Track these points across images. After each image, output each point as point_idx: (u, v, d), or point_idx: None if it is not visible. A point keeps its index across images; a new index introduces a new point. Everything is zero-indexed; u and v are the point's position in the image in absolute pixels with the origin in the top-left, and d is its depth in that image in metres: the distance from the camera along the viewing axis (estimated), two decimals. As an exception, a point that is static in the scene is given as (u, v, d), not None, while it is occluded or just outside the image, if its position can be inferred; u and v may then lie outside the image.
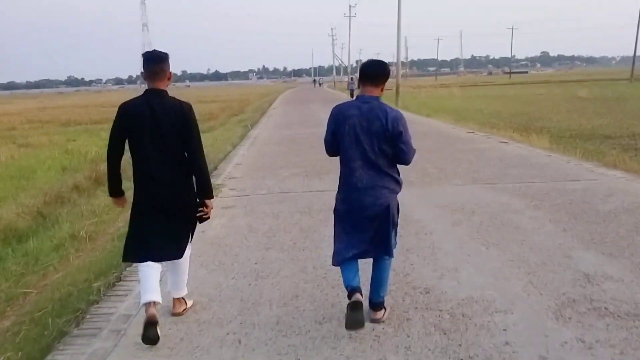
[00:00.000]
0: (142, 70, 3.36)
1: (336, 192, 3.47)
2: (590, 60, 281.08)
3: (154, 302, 3.30)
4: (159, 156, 3.34)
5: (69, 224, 6.73)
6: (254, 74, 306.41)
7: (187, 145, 3.40)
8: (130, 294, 4.15)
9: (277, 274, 4.38)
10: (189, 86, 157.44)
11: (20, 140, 16.99)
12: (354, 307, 3.13)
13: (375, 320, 3.46)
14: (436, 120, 18.01)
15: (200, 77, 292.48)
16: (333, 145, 3.40)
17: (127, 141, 3.41)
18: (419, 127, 14.83)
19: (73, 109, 37.03)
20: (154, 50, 3.47)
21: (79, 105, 43.41)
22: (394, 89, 27.66)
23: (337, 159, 3.47)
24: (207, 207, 3.56)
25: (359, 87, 3.42)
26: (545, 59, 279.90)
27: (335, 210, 3.45)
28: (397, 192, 3.39)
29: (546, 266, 4.25)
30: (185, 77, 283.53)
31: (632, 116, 17.82)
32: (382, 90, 3.34)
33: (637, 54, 52.38)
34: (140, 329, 3.26)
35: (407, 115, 3.49)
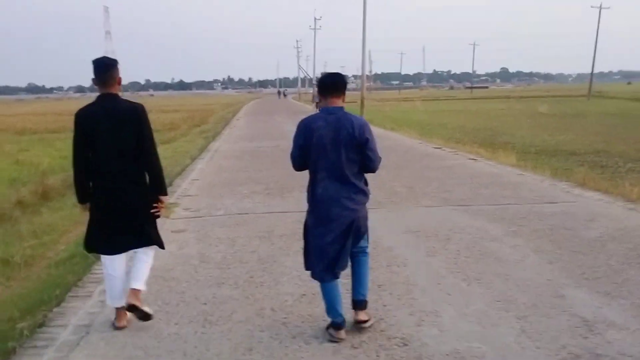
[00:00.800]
0: (93, 77, 3.47)
1: (303, 210, 3.50)
2: (547, 77, 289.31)
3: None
4: (116, 156, 3.46)
5: (4, 246, 6.07)
6: (219, 84, 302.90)
7: (141, 144, 3.50)
8: (51, 345, 3.47)
9: (229, 319, 3.73)
10: (152, 95, 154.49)
11: (-33, 150, 15.88)
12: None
13: (360, 323, 3.37)
14: (401, 135, 17.67)
15: (165, 87, 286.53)
16: (300, 159, 3.40)
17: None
18: (385, 142, 14.40)
19: (30, 117, 36.32)
20: (104, 57, 3.58)
21: (37, 113, 42.16)
22: (358, 101, 27.42)
23: (303, 174, 3.47)
24: (161, 202, 3.69)
25: (320, 100, 3.45)
26: (504, 75, 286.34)
27: (305, 224, 3.46)
28: (365, 203, 3.40)
29: (538, 309, 3.71)
30: (149, 85, 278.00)
31: (593, 132, 18.04)
32: (343, 100, 3.38)
33: (594, 71, 54.14)
34: None
35: (371, 128, 3.33)
